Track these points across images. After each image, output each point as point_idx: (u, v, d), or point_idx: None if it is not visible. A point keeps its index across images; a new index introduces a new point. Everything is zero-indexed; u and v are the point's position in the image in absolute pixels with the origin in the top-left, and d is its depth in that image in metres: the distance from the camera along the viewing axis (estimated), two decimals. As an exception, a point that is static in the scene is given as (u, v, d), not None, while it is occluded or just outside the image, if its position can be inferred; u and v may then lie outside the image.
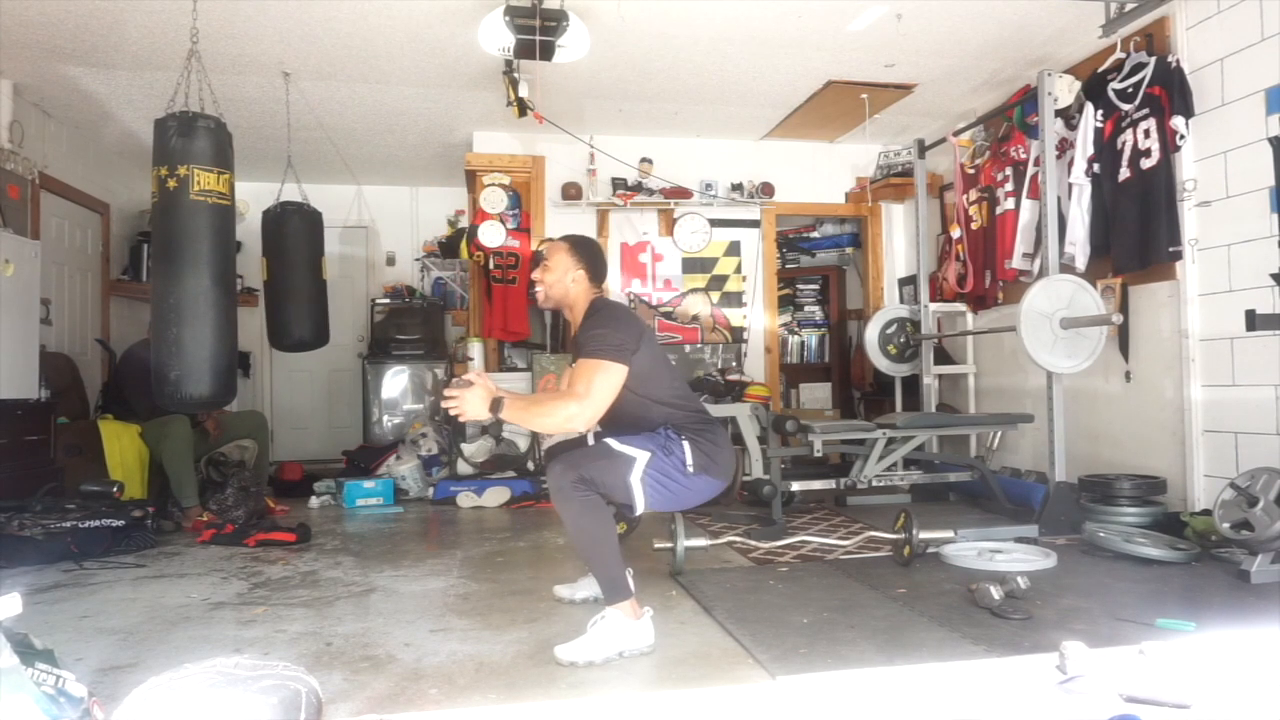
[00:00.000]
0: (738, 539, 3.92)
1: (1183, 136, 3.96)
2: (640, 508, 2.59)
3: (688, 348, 6.07)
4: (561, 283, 2.79)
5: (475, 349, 6.11)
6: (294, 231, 5.40)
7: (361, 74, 4.96)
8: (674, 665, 2.35)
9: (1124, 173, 4.21)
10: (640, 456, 2.53)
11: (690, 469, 2.59)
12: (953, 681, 2.18)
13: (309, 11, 4.15)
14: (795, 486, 4.36)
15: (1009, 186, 4.98)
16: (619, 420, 2.67)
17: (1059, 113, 4.38)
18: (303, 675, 1.79)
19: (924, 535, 3.39)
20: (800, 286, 7.78)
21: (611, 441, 2.57)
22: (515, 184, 6.04)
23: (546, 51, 4.04)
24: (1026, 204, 4.80)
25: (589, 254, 2.82)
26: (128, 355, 5.02)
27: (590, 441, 2.65)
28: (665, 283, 6.15)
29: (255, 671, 1.74)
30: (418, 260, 7.65)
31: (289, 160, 5.59)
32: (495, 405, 2.39)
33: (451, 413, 2.40)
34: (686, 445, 2.60)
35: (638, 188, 6.07)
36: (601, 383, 2.51)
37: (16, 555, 3.61)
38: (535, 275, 2.86)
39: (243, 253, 6.68)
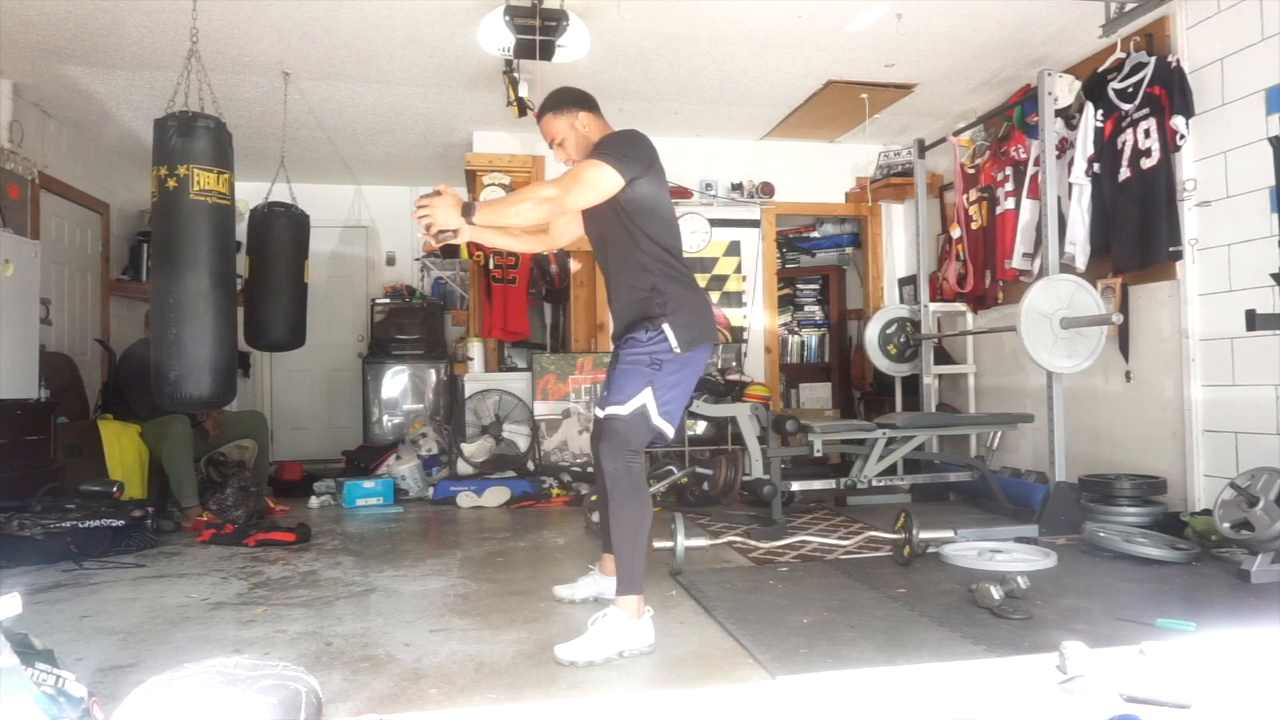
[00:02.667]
0: (738, 539, 3.92)
1: (1183, 136, 3.95)
2: (671, 431, 2.58)
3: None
4: (574, 135, 2.73)
5: (475, 349, 6.10)
6: (279, 233, 5.36)
7: (361, 74, 4.96)
8: (674, 665, 2.35)
9: (1124, 172, 4.21)
10: (645, 398, 2.51)
11: (678, 349, 2.55)
12: (953, 681, 2.18)
13: (309, 11, 4.15)
14: (795, 486, 4.36)
15: (1009, 186, 4.97)
16: (605, 251, 2.69)
17: (1059, 112, 4.38)
18: (303, 675, 1.79)
19: (924, 535, 3.39)
20: (800, 286, 7.77)
21: (616, 410, 2.53)
22: (515, 184, 6.03)
23: (546, 51, 4.04)
24: (1026, 204, 4.80)
25: (568, 99, 2.76)
26: (127, 355, 5.01)
27: (600, 414, 2.62)
28: (665, 282, 6.13)
29: (255, 671, 1.73)
30: (417, 260, 7.65)
31: (281, 160, 5.59)
32: (467, 210, 2.36)
33: (423, 223, 2.38)
34: (667, 328, 2.55)
35: (638, 187, 6.06)
36: (590, 176, 2.47)
37: (16, 555, 3.61)
38: (556, 156, 2.80)
39: (242, 252, 6.69)
